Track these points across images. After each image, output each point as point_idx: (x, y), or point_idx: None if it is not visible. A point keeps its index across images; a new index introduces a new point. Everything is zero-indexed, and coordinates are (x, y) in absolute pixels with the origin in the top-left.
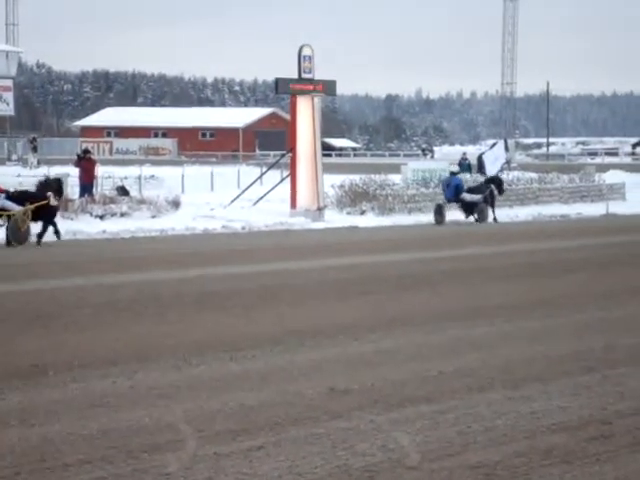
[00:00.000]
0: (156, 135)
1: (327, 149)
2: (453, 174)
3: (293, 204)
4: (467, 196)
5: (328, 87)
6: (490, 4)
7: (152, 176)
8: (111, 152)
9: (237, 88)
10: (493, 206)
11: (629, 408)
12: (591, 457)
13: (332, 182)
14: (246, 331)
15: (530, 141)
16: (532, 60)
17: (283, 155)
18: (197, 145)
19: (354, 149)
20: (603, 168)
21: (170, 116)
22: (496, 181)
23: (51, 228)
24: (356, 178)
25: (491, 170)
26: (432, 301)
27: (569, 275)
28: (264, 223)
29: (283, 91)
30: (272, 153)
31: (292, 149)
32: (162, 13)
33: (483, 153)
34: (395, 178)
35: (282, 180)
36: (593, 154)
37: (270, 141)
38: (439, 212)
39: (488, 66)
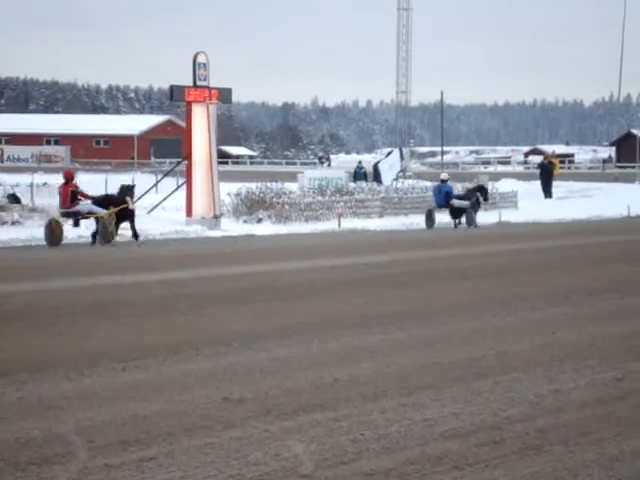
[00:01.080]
0: (49, 142)
1: (223, 157)
2: (443, 181)
3: (189, 212)
4: (456, 202)
5: (223, 95)
6: (385, 13)
7: (44, 184)
8: (2, 159)
9: (132, 95)
10: (476, 212)
11: (519, 413)
12: (482, 463)
13: (229, 190)
14: (140, 341)
15: (425, 150)
16: (427, 69)
17: (179, 163)
18: (91, 152)
19: (251, 157)
20: (496, 176)
21: (63, 123)
22: (482, 190)
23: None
24: (253, 186)
25: (386, 178)
26: (328, 309)
27: (464, 282)
28: (159, 231)
29: (178, 98)
30: (168, 161)
31: (188, 157)
32: (53, 19)
33: (379, 162)
34: (292, 186)
35: (178, 188)
36: (486, 163)
37: (166, 149)
38: (429, 217)
39: (383, 75)
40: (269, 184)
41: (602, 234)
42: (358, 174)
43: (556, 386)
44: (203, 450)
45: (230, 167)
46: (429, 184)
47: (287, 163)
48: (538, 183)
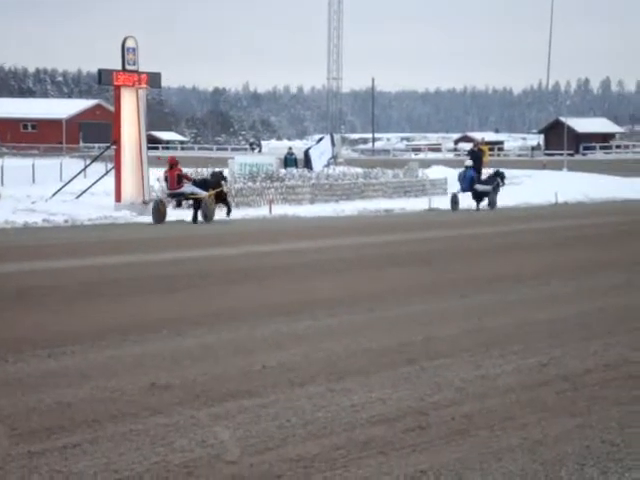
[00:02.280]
0: None
1: (153, 142)
2: (467, 168)
3: (118, 197)
4: (479, 187)
5: (153, 79)
6: None
7: None
8: None
9: (60, 79)
10: (496, 195)
11: (445, 399)
12: (408, 448)
13: (158, 176)
14: (66, 328)
15: (356, 136)
16: (358, 56)
17: (107, 147)
18: (18, 137)
19: (181, 142)
20: (426, 163)
21: None
22: (500, 175)
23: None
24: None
25: (317, 165)
26: (258, 295)
27: (394, 268)
28: (88, 217)
29: (106, 82)
30: (97, 145)
31: (116, 141)
32: None
33: (310, 148)
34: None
35: (107, 173)
36: (417, 150)
37: (95, 133)
38: (454, 200)
39: (315, 61)
40: (200, 169)
41: (530, 221)
42: (289, 160)
43: (482, 372)
44: (128, 437)
45: (160, 152)
46: (360, 170)
47: (218, 149)
48: None
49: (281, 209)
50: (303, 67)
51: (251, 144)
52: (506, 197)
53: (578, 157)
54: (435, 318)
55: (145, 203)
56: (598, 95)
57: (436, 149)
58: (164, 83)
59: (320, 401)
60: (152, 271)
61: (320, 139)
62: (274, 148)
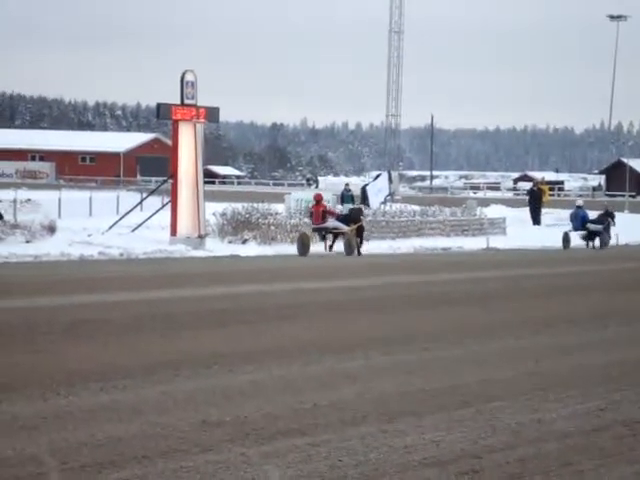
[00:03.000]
0: (33, 158)
1: (210, 176)
2: (579, 207)
3: (173, 231)
4: (592, 226)
5: (211, 113)
6: (376, 36)
7: (28, 200)
8: None
9: (119, 112)
10: (609, 235)
11: (500, 442)
12: None
13: (214, 210)
14: (118, 361)
15: (414, 173)
16: (418, 93)
17: (164, 181)
18: (76, 169)
19: (238, 177)
20: (485, 202)
21: (49, 139)
22: (611, 215)
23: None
24: (239, 206)
25: (374, 202)
26: (309, 332)
27: (448, 308)
28: (143, 250)
29: (165, 116)
30: (154, 179)
31: (173, 175)
32: (39, 33)
33: (367, 184)
34: (278, 207)
35: (163, 207)
36: (475, 188)
37: (152, 167)
38: (566, 239)
39: (374, 98)
40: (255, 204)
41: (588, 263)
42: (346, 197)
43: (538, 415)
44: (178, 473)
45: (217, 187)
46: (417, 208)
47: (275, 184)
48: (527, 210)
49: (336, 246)
50: (362, 103)
51: (308, 180)
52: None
53: None
54: (490, 359)
55: (200, 237)
56: None
57: (495, 188)
58: (222, 118)
59: (372, 442)
60: (205, 305)
61: (377, 176)
62: (331, 184)
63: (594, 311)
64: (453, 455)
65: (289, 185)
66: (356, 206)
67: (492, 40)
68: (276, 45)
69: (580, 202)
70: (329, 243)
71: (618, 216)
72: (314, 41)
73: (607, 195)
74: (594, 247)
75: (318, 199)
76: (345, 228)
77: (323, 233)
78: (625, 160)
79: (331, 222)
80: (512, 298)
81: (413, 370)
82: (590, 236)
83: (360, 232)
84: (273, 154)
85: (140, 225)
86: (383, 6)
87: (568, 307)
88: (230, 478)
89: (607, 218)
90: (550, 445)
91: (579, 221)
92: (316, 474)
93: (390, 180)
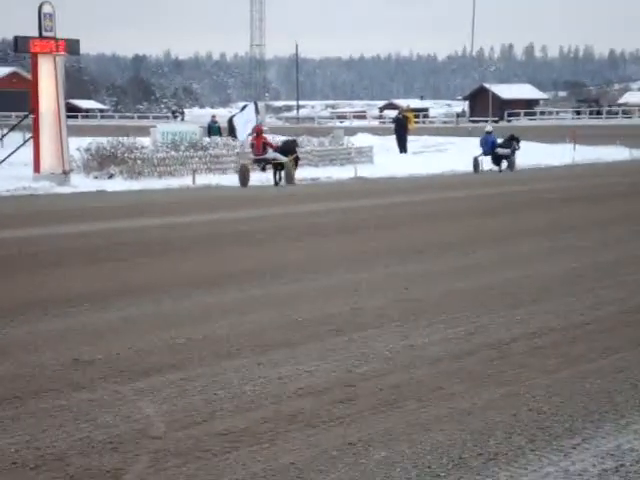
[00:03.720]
0: None
1: (72, 111)
2: (489, 133)
3: (37, 168)
4: (500, 150)
5: (71, 46)
6: None
7: None
8: None
9: None
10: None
11: (373, 370)
12: (335, 420)
13: (79, 145)
14: None
15: (281, 104)
16: (281, 22)
17: (25, 116)
18: None
19: (101, 111)
20: (352, 131)
21: None
22: (515, 139)
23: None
24: (103, 141)
25: (242, 133)
26: (181, 267)
27: (320, 238)
28: (5, 188)
29: (23, 50)
30: (14, 114)
31: (34, 110)
32: None
33: (234, 116)
34: (144, 141)
35: (25, 143)
36: (342, 117)
37: (12, 102)
38: (476, 164)
39: (238, 27)
40: (120, 139)
41: (456, 189)
42: (213, 129)
43: (410, 342)
44: (51, 413)
45: (80, 121)
46: (283, 138)
47: (139, 117)
48: (393, 137)
49: (205, 179)
50: (226, 34)
51: (173, 112)
52: (431, 164)
53: (503, 124)
54: (362, 288)
55: (65, 173)
56: (522, 61)
57: (361, 117)
58: (83, 50)
59: (247, 374)
60: (73, 243)
61: (244, 107)
62: (197, 116)
63: (463, 236)
64: (327, 384)
65: (154, 118)
66: (290, 138)
67: None
68: None
69: (489, 128)
70: (271, 174)
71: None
72: None
73: (471, 121)
74: (501, 170)
75: (258, 131)
76: (284, 159)
77: (263, 164)
78: (488, 86)
79: (271, 153)
80: (382, 226)
81: (286, 301)
82: (498, 160)
83: (296, 162)
84: (137, 87)
85: (1, 162)
86: None
87: (437, 234)
88: (104, 416)
89: (512, 142)
90: (422, 370)
91: (489, 146)
92: (191, 408)
93: (257, 111)
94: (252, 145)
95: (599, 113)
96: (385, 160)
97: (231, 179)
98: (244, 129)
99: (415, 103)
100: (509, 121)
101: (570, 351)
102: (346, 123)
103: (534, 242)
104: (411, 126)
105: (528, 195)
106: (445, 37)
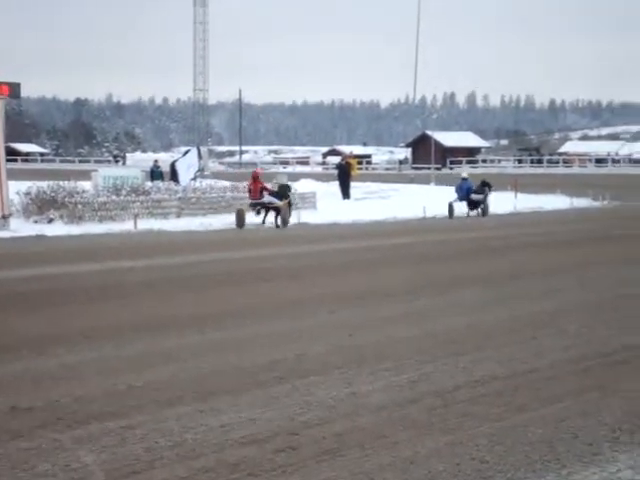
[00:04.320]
0: None
1: (12, 154)
2: (464, 179)
3: None
4: (474, 196)
5: (12, 89)
6: (182, 7)
7: None
8: None
9: None
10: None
11: (316, 417)
12: (278, 469)
13: (18, 189)
14: None
15: (223, 149)
16: (225, 67)
17: None
18: None
19: (42, 154)
20: (295, 177)
21: None
22: (487, 184)
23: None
24: (44, 185)
25: (184, 178)
26: (122, 312)
27: (263, 283)
28: None
29: None
30: None
31: None
32: None
33: (176, 160)
34: (85, 185)
35: None
36: (285, 163)
37: None
38: (450, 209)
39: (181, 72)
40: (61, 182)
41: (399, 235)
42: (155, 173)
43: (353, 389)
44: None
45: (20, 165)
46: (227, 184)
47: (81, 161)
48: (336, 184)
49: (147, 223)
50: (169, 78)
51: (115, 156)
52: (374, 211)
53: (445, 171)
54: (306, 334)
55: (4, 217)
56: (464, 109)
57: (304, 162)
58: (23, 93)
59: (188, 422)
60: (13, 288)
61: (186, 152)
62: (139, 160)
63: (407, 283)
64: (270, 432)
65: (96, 162)
66: (283, 183)
67: (296, 8)
68: (79, 17)
69: (465, 174)
70: (262, 217)
71: (425, 188)
72: (121, 12)
73: (413, 168)
74: (477, 215)
75: (255, 176)
76: (279, 203)
77: (258, 207)
78: (430, 133)
79: (267, 197)
80: (326, 272)
81: (228, 347)
82: (474, 205)
83: (289, 206)
84: (78, 130)
85: None
86: None
87: (381, 280)
88: (43, 465)
89: (484, 188)
90: (365, 418)
91: (464, 192)
92: (132, 457)
93: (200, 156)
94: (249, 190)
95: (540, 162)
96: (328, 206)
97: (173, 224)
98: (186, 174)
99: (358, 149)
100: (451, 168)
101: (513, 400)
102: (289, 169)
103: (477, 289)
104: (354, 172)
105: (474, 242)
106: (388, 84)
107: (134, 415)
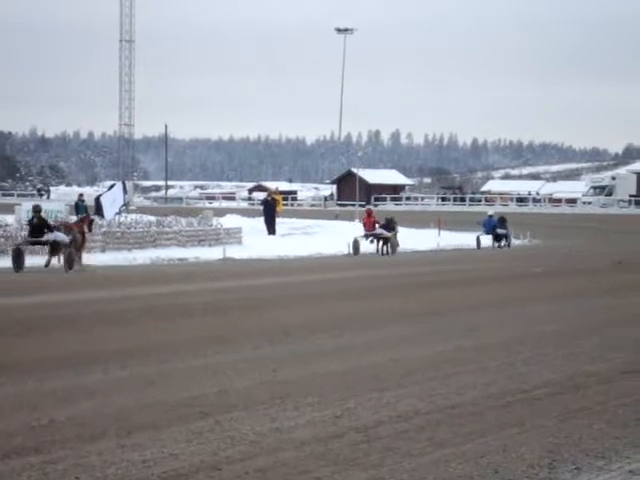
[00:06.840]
0: None
1: None
2: (491, 216)
3: None
4: (499, 230)
5: None
6: (107, 43)
7: None
8: None
9: None
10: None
11: (239, 453)
12: None
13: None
14: None
15: (149, 183)
16: (151, 102)
17: None
18: None
19: None
20: (221, 212)
21: None
22: (505, 220)
23: None
24: None
25: (109, 212)
26: (44, 347)
27: (187, 319)
28: None
29: None
30: None
31: None
32: None
33: (101, 195)
34: (9, 219)
35: None
36: (211, 198)
37: None
38: (478, 242)
39: (106, 106)
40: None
41: (323, 272)
42: (80, 207)
43: (276, 424)
44: None
45: None
46: (152, 218)
47: (4, 195)
48: (262, 219)
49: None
50: (94, 113)
51: (39, 190)
52: (299, 247)
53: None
54: (229, 369)
55: None
56: (388, 147)
57: (230, 198)
58: None
59: (110, 457)
60: None
61: (112, 186)
62: (63, 194)
63: (331, 318)
64: (193, 467)
65: (19, 195)
66: (389, 217)
67: (225, 45)
68: (1, 49)
69: (491, 212)
70: (375, 246)
71: (350, 224)
72: (46, 46)
73: (339, 204)
74: (501, 246)
75: (369, 212)
76: (388, 234)
77: (371, 238)
78: (355, 170)
79: (378, 230)
80: (251, 307)
81: (152, 382)
82: (498, 238)
83: (395, 237)
84: (1, 164)
85: None
86: (113, 13)
87: (305, 315)
88: None
89: (505, 223)
90: (288, 454)
91: (491, 226)
92: None
93: (125, 190)
94: (364, 223)
95: (463, 200)
96: (254, 241)
97: (98, 258)
98: (111, 208)
99: (284, 186)
100: (376, 205)
101: (435, 435)
102: (215, 204)
103: (401, 325)
104: (279, 208)
105: (403, 279)
106: (314, 121)
107: (55, 450)
